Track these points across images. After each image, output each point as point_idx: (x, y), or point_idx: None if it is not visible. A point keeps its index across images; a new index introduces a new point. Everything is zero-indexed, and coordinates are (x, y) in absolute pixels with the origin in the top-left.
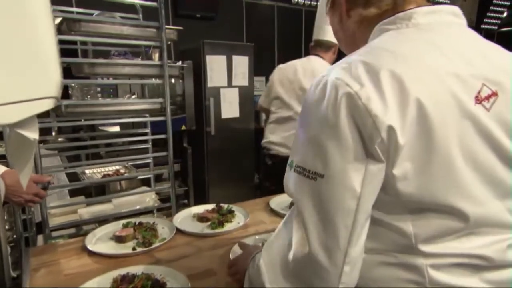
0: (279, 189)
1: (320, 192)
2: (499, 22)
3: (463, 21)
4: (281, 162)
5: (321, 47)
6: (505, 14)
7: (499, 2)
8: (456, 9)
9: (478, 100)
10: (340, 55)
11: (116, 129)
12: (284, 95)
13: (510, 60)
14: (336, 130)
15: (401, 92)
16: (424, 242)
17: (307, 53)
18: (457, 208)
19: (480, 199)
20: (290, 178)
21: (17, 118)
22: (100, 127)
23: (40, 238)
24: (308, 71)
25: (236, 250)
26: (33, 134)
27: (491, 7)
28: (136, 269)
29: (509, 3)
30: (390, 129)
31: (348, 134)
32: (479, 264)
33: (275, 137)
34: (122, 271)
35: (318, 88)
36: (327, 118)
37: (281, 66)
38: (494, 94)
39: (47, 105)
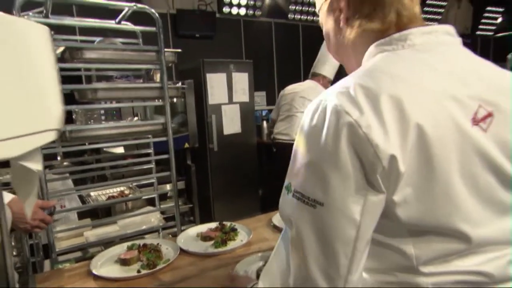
0: (281, 171)
1: (320, 220)
2: (494, 28)
3: (457, 40)
4: (282, 148)
5: (318, 77)
6: (499, 20)
7: (492, 8)
8: (450, 29)
9: (475, 121)
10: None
11: (120, 149)
12: (288, 102)
13: (505, 78)
14: (336, 158)
15: (401, 117)
16: (426, 264)
17: (305, 68)
18: (460, 230)
19: (481, 221)
20: (288, 202)
21: (20, 152)
22: (104, 149)
23: (47, 263)
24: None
25: (238, 270)
26: (36, 166)
27: (485, 14)
28: None
29: (502, 9)
30: (392, 158)
31: (348, 163)
32: (481, 281)
33: (280, 129)
34: None
35: (317, 113)
36: (327, 146)
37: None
38: (490, 114)
39: (49, 137)
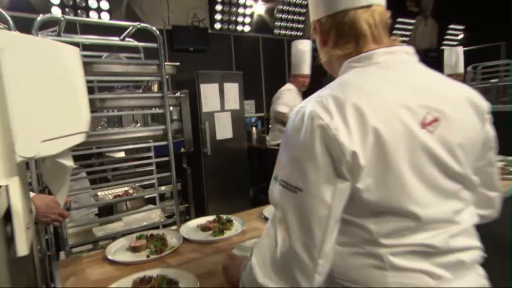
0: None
1: (300, 203)
2: (457, 43)
3: (415, 58)
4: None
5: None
6: (460, 36)
7: (454, 26)
8: (409, 49)
9: (424, 125)
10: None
11: (121, 154)
12: None
13: (451, 89)
14: (312, 154)
15: (361, 122)
16: (384, 237)
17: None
18: (411, 211)
19: (428, 204)
20: (275, 190)
21: (58, 150)
22: (107, 153)
23: (62, 254)
24: None
25: (235, 253)
26: (69, 162)
27: (448, 31)
28: (152, 272)
29: (463, 27)
30: (354, 153)
31: (321, 157)
32: (428, 251)
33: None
34: (140, 274)
35: (297, 118)
36: (305, 144)
37: None
38: (437, 119)
39: (80, 138)
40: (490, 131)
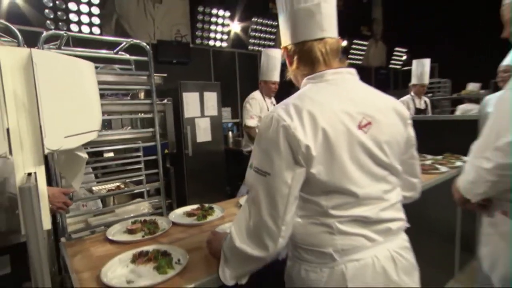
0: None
1: (268, 184)
2: (401, 63)
3: (356, 77)
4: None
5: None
6: (404, 57)
7: (399, 49)
8: (352, 70)
9: (360, 127)
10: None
11: (111, 154)
12: None
13: (382, 101)
14: (277, 147)
15: (314, 124)
16: (332, 209)
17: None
18: (351, 190)
19: (363, 185)
20: (250, 175)
21: (76, 144)
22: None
23: (63, 240)
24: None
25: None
26: (84, 154)
27: (395, 52)
28: (148, 248)
29: (406, 50)
30: (307, 147)
31: (284, 149)
32: (365, 221)
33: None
34: (138, 250)
35: (267, 119)
36: (272, 139)
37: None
38: (369, 123)
39: (94, 135)
40: (411, 132)
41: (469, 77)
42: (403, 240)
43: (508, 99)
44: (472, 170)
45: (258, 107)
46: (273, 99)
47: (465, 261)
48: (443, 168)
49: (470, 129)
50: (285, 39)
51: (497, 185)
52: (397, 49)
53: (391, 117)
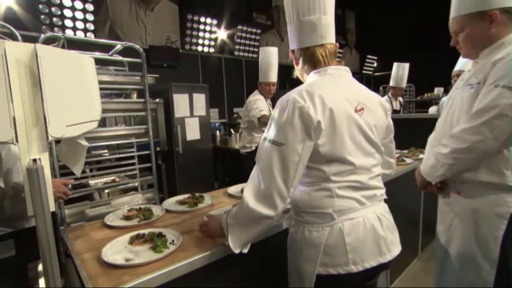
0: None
1: (282, 153)
2: (373, 69)
3: (349, 74)
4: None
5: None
6: (375, 64)
7: (370, 56)
8: (347, 68)
9: (356, 111)
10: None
11: (105, 149)
12: None
13: (369, 94)
14: (292, 123)
15: (323, 104)
16: (333, 175)
17: (247, 90)
18: (349, 160)
19: (358, 156)
20: (264, 147)
21: (78, 133)
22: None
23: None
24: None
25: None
26: (85, 142)
27: (367, 60)
28: (144, 231)
29: (376, 57)
30: (318, 122)
31: (297, 125)
32: (358, 186)
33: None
34: (135, 233)
35: (284, 102)
36: (288, 117)
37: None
38: (362, 109)
39: (94, 124)
40: (390, 121)
41: (431, 83)
42: (384, 206)
43: (455, 96)
44: (432, 156)
45: (265, 104)
46: (269, 102)
47: (427, 242)
48: (408, 160)
49: (431, 127)
50: (292, 43)
51: (453, 168)
52: (369, 56)
53: (377, 107)
